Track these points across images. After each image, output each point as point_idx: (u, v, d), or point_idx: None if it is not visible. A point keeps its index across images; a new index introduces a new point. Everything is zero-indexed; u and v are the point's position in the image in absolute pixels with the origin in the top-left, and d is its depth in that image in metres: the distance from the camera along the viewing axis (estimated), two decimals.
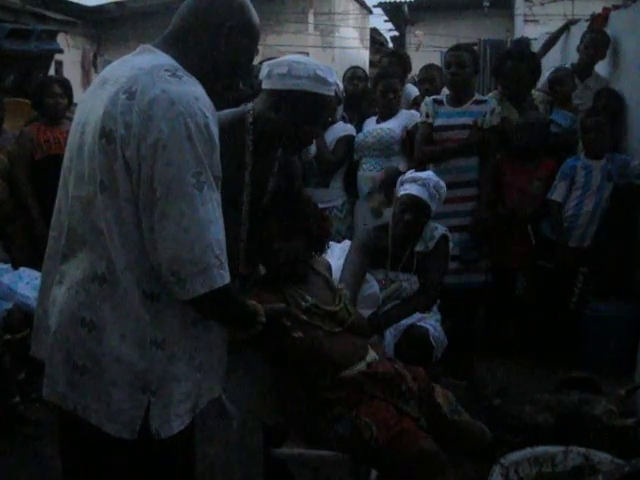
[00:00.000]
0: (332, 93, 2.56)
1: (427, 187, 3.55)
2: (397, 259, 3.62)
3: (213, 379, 1.99)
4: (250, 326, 2.04)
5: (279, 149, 2.67)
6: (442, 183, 3.66)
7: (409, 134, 4.73)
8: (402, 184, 3.65)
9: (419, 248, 3.64)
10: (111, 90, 1.76)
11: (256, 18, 2.01)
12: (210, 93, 1.89)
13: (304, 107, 2.47)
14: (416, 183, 3.57)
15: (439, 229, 3.68)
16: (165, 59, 1.83)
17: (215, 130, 1.76)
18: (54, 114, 5.12)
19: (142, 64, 1.80)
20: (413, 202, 3.54)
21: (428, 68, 5.71)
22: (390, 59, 6.08)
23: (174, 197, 1.67)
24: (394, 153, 4.74)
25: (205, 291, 1.71)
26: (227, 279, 1.75)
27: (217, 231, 1.73)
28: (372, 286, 3.47)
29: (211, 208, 1.71)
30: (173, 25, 1.94)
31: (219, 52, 1.92)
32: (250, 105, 2.60)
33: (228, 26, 1.90)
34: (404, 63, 5.97)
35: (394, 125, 4.78)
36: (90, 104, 1.85)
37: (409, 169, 4.04)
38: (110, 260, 1.76)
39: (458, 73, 4.53)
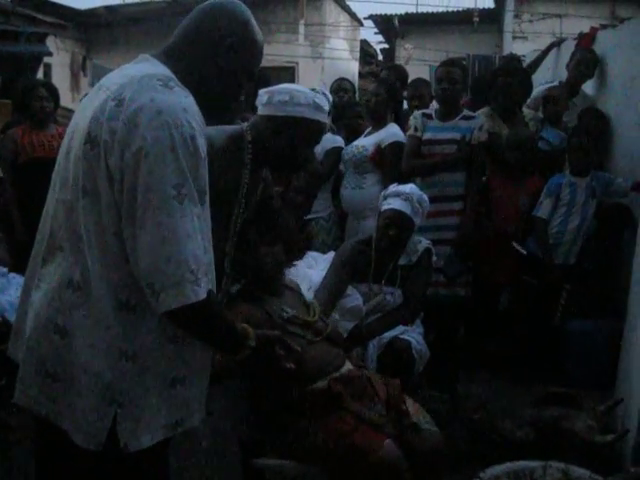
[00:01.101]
0: (326, 120, 2.71)
1: (410, 201, 3.55)
2: (380, 272, 3.63)
3: (193, 402, 1.91)
4: (238, 350, 1.96)
5: (264, 168, 2.75)
6: (425, 197, 3.66)
7: (380, 152, 4.69)
8: (385, 198, 3.65)
9: (402, 261, 3.65)
10: (102, 97, 1.75)
11: (260, 35, 1.98)
12: (209, 108, 1.88)
13: (303, 132, 2.59)
14: (399, 197, 3.57)
15: (422, 242, 3.69)
16: (160, 69, 1.81)
17: (202, 143, 1.73)
18: (39, 117, 5.10)
19: (136, 72, 1.78)
20: (397, 217, 3.54)
21: (417, 84, 5.74)
22: (389, 72, 6.13)
23: (153, 207, 1.63)
24: (367, 171, 4.72)
25: (177, 306, 1.66)
26: (202, 295, 1.69)
27: (195, 246, 1.67)
28: (355, 299, 3.48)
29: (190, 222, 1.67)
30: (175, 37, 1.92)
31: (219, 68, 1.90)
32: (245, 125, 2.67)
33: (229, 42, 1.88)
34: (402, 78, 6.03)
35: (368, 143, 4.75)
36: (83, 110, 1.84)
37: (383, 187, 4.07)
38: (85, 267, 1.73)
39: (449, 89, 4.55)
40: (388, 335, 3.56)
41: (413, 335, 3.63)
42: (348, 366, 2.85)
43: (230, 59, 1.90)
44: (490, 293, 4.92)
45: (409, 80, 6.12)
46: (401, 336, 3.58)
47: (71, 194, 1.77)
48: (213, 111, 1.97)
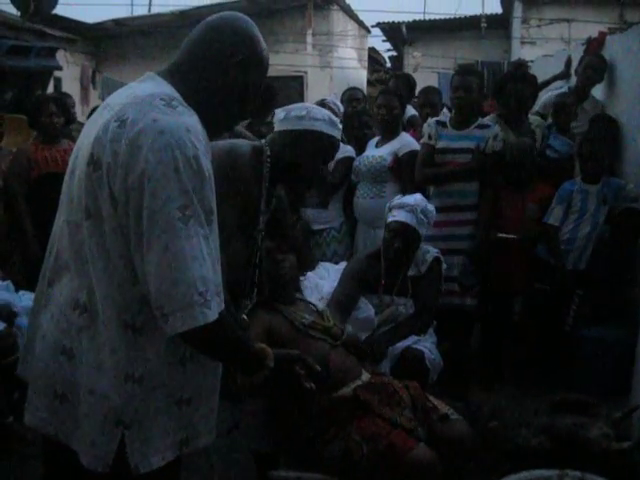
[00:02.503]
0: (339, 137, 2.77)
1: (415, 213, 3.55)
2: (391, 284, 3.63)
3: (200, 423, 1.89)
4: (255, 370, 1.97)
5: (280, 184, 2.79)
6: (430, 207, 3.65)
7: (398, 161, 4.69)
8: (390, 210, 3.65)
9: (411, 272, 3.66)
10: (106, 117, 1.74)
11: (265, 48, 1.95)
12: (214, 124, 1.88)
13: (318, 146, 2.67)
14: (404, 209, 3.57)
15: (431, 252, 3.69)
16: (164, 88, 1.79)
17: (206, 162, 1.70)
18: (50, 133, 5.14)
19: (139, 92, 1.76)
20: (402, 229, 3.55)
21: (428, 92, 5.75)
22: (397, 81, 6.14)
23: (159, 230, 1.62)
24: (385, 180, 4.70)
25: (186, 329, 1.64)
26: (212, 317, 1.66)
27: (203, 267, 1.65)
28: (366, 310, 3.49)
29: (196, 243, 1.64)
30: (180, 54, 1.89)
31: (227, 85, 1.87)
32: (264, 141, 2.75)
33: (237, 59, 1.85)
34: (410, 86, 6.04)
35: (385, 152, 4.74)
36: (88, 129, 1.83)
37: (403, 195, 4.07)
38: (91, 289, 1.73)
39: (465, 98, 4.54)
40: (401, 345, 3.56)
41: (426, 345, 3.63)
42: (366, 374, 2.88)
43: (238, 76, 1.87)
44: (502, 302, 4.89)
45: (417, 88, 6.14)
46: (414, 346, 3.58)
47: (75, 215, 1.77)
48: (219, 127, 1.97)
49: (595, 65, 5.66)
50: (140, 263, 1.66)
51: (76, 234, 1.76)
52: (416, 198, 3.66)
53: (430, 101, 5.58)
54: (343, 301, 3.41)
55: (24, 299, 4.17)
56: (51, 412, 1.79)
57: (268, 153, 2.66)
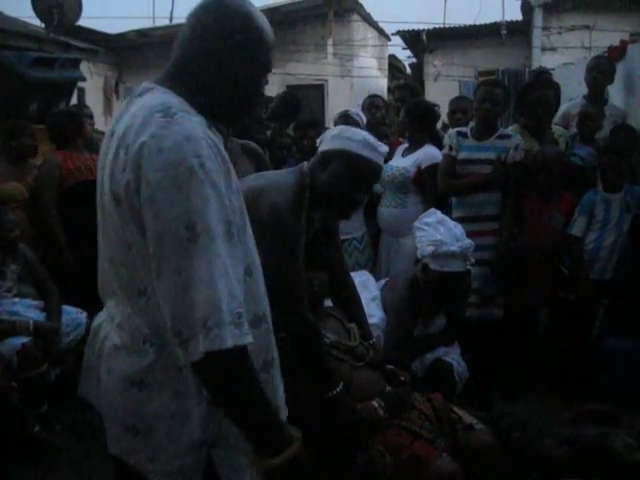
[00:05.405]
0: (380, 161, 2.62)
1: (464, 257, 3.45)
2: (431, 308, 3.66)
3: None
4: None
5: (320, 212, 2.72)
6: (472, 243, 3.52)
7: (421, 173, 4.71)
8: (435, 257, 3.44)
9: None
10: (114, 144, 1.66)
11: (266, 23, 1.77)
12: (229, 116, 1.82)
13: (348, 167, 2.55)
14: (454, 259, 3.43)
15: None
16: (161, 97, 1.66)
17: (213, 166, 1.57)
18: (89, 139, 5.26)
19: (138, 110, 1.65)
20: (454, 277, 3.47)
21: (460, 99, 5.77)
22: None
23: (167, 252, 1.51)
24: (409, 191, 4.73)
25: (209, 350, 1.50)
26: (245, 340, 1.55)
27: (228, 285, 1.54)
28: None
29: (214, 260, 1.52)
30: (174, 55, 1.76)
31: (231, 71, 1.72)
32: (306, 164, 2.68)
33: (235, 40, 1.70)
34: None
35: (409, 164, 4.76)
36: (102, 160, 1.75)
37: (424, 207, 4.08)
38: (153, 321, 1.66)
39: (491, 110, 4.54)
40: (431, 357, 3.58)
41: (454, 357, 3.64)
42: (389, 388, 2.90)
43: (240, 58, 1.72)
44: (528, 313, 4.87)
45: (438, 96, 6.15)
46: (443, 357, 3.60)
47: (112, 248, 1.72)
48: (235, 117, 1.89)
49: (599, 67, 5.61)
50: (152, 288, 1.59)
51: (132, 267, 1.67)
52: (461, 245, 3.45)
53: (462, 107, 5.55)
54: (402, 338, 3.40)
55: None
56: (126, 444, 1.76)
57: (308, 181, 2.60)
